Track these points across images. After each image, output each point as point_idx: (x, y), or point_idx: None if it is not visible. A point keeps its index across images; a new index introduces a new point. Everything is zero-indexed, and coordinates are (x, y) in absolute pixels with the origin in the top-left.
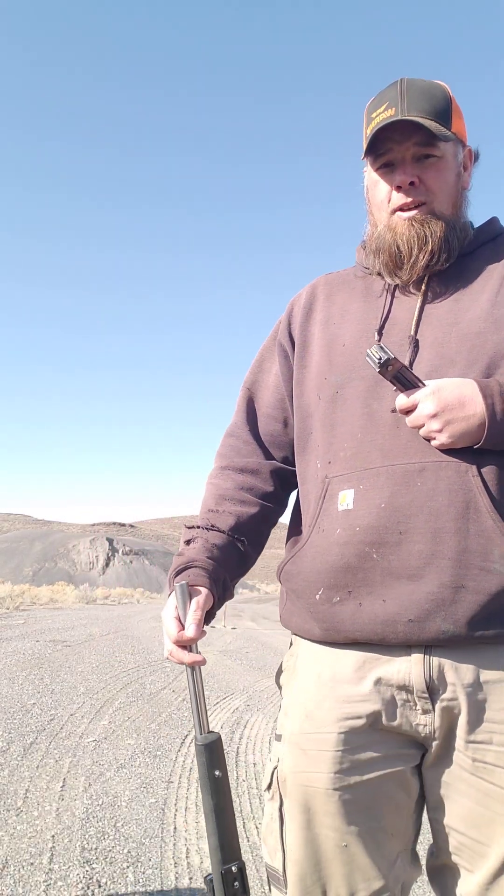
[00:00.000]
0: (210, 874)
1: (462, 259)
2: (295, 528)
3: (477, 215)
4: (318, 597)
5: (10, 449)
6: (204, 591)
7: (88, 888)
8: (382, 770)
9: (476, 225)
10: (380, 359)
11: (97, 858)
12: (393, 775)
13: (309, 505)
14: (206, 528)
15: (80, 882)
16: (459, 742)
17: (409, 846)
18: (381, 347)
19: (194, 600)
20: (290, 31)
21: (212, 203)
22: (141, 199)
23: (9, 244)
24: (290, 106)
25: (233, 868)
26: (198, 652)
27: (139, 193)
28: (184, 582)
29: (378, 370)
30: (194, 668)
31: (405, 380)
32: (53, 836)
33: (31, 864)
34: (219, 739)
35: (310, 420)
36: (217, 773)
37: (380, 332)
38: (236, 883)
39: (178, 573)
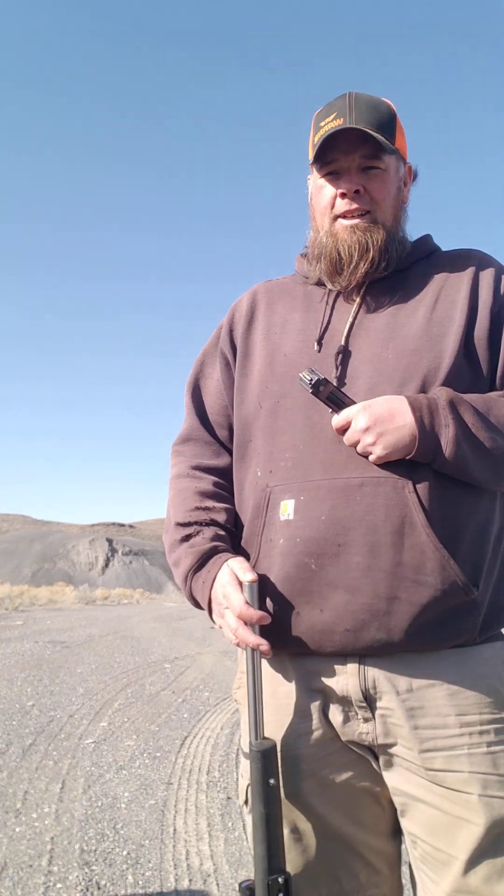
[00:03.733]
0: (246, 881)
1: (399, 273)
2: (240, 537)
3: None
4: (265, 605)
5: (10, 449)
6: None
7: (88, 890)
8: (352, 771)
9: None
10: (311, 380)
11: (96, 860)
12: (363, 774)
13: (247, 513)
14: (206, 524)
15: (80, 884)
16: (407, 752)
17: (395, 827)
18: (312, 370)
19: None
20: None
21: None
22: (143, 218)
23: (9, 240)
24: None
25: (279, 879)
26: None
27: (140, 214)
28: (252, 575)
29: (311, 391)
30: (255, 663)
31: (338, 400)
32: (52, 838)
33: (31, 866)
34: (274, 747)
35: (250, 428)
36: (272, 781)
37: (319, 343)
38: (280, 894)
39: (202, 563)
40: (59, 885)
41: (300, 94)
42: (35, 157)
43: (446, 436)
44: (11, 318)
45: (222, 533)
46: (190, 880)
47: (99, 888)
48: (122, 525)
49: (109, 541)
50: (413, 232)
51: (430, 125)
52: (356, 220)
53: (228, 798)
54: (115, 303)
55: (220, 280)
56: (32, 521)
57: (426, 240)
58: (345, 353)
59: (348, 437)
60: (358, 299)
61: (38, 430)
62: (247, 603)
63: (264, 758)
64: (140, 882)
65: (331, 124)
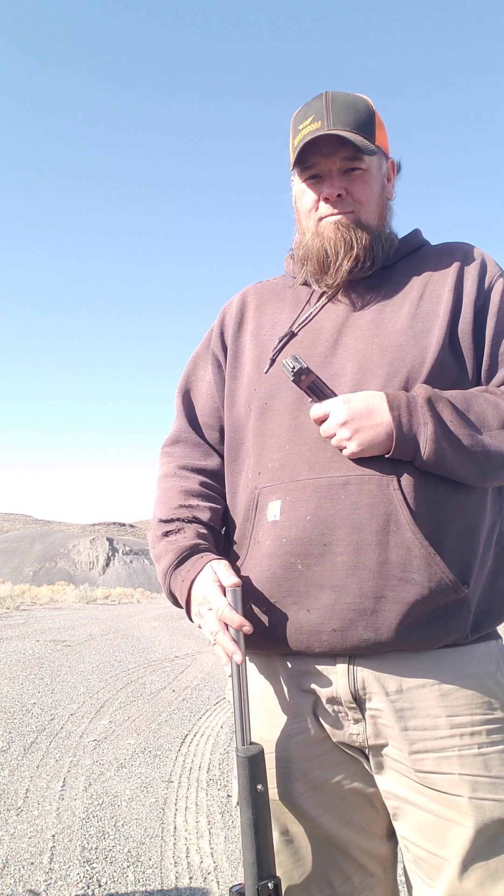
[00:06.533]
0: (237, 885)
1: (385, 270)
2: (230, 540)
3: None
4: (250, 607)
5: (11, 448)
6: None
7: (88, 888)
8: (343, 772)
9: (400, 235)
10: (293, 368)
11: (97, 858)
12: (355, 776)
13: (239, 515)
14: (188, 521)
15: (81, 881)
16: (398, 753)
17: (390, 829)
18: (296, 358)
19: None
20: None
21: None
22: (142, 203)
23: (8, 251)
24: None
25: (269, 885)
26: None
27: (139, 196)
28: (236, 581)
29: (292, 379)
30: (240, 667)
31: (318, 391)
32: (54, 836)
33: (32, 863)
34: (261, 752)
35: (241, 431)
36: (259, 787)
37: (292, 332)
38: None
39: (182, 559)
40: (59, 883)
41: (301, 78)
42: (33, 135)
43: (425, 434)
44: (11, 312)
45: (204, 531)
46: (190, 878)
47: (100, 885)
48: (123, 525)
49: (110, 540)
50: (408, 223)
51: (427, 110)
52: (340, 217)
53: (228, 796)
54: (117, 298)
55: (225, 277)
56: (33, 520)
57: (415, 235)
58: (330, 351)
59: (324, 429)
60: (344, 297)
61: (39, 429)
62: (230, 605)
63: (251, 763)
64: (140, 879)
65: (309, 128)
